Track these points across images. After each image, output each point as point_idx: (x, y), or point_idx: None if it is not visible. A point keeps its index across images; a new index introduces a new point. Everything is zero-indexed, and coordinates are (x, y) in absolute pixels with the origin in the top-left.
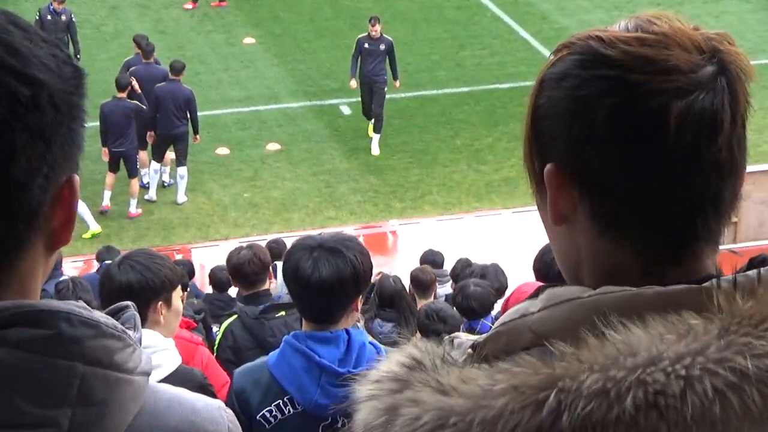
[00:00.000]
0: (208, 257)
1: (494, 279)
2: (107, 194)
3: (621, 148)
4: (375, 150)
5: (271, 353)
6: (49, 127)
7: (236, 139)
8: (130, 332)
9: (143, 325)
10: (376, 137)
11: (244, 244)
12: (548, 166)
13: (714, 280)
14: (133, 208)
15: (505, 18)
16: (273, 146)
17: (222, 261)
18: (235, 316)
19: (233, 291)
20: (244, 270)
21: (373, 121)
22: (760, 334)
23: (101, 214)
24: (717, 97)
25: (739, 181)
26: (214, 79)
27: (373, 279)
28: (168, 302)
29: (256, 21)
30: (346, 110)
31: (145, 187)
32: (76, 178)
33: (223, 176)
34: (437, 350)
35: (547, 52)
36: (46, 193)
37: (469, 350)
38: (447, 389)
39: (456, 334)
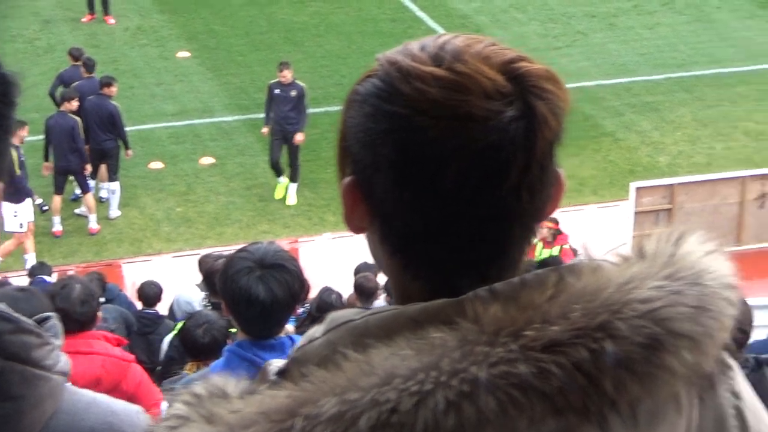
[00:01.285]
0: (140, 272)
1: None
2: (56, 219)
3: (401, 186)
4: (292, 200)
5: (213, 363)
6: None
7: (170, 153)
8: (53, 339)
9: None
10: (293, 186)
11: (224, 252)
12: (347, 179)
13: (472, 292)
14: (94, 224)
15: (439, 31)
16: (207, 160)
17: (153, 276)
18: None
19: (160, 307)
20: (213, 280)
21: (290, 171)
22: (501, 341)
23: (55, 238)
24: (510, 145)
25: (532, 223)
26: (147, 93)
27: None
28: None
29: (191, 34)
30: None
31: (75, 200)
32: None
33: (156, 191)
34: (220, 383)
35: None
36: None
37: (274, 377)
38: (214, 419)
39: (271, 361)
